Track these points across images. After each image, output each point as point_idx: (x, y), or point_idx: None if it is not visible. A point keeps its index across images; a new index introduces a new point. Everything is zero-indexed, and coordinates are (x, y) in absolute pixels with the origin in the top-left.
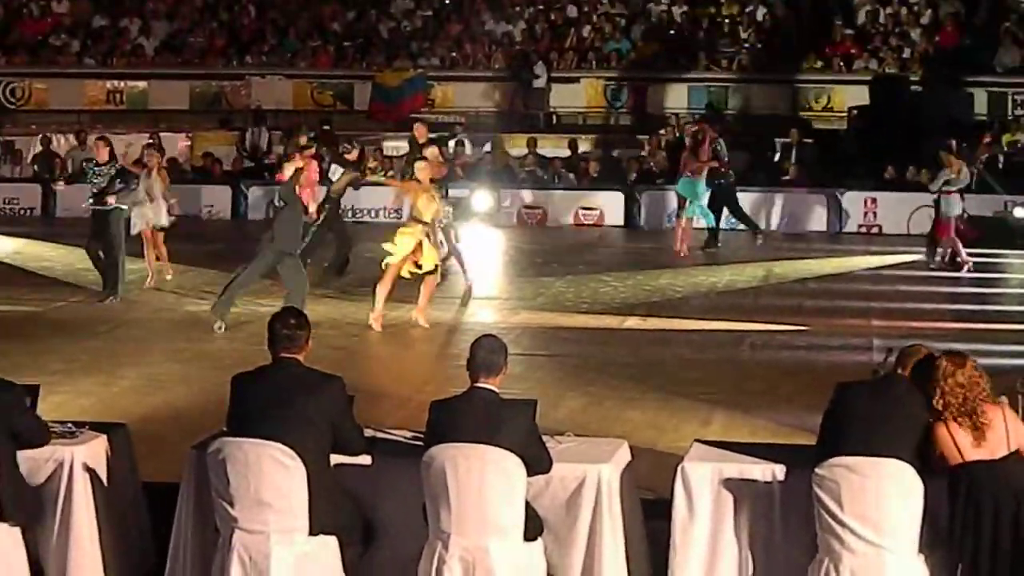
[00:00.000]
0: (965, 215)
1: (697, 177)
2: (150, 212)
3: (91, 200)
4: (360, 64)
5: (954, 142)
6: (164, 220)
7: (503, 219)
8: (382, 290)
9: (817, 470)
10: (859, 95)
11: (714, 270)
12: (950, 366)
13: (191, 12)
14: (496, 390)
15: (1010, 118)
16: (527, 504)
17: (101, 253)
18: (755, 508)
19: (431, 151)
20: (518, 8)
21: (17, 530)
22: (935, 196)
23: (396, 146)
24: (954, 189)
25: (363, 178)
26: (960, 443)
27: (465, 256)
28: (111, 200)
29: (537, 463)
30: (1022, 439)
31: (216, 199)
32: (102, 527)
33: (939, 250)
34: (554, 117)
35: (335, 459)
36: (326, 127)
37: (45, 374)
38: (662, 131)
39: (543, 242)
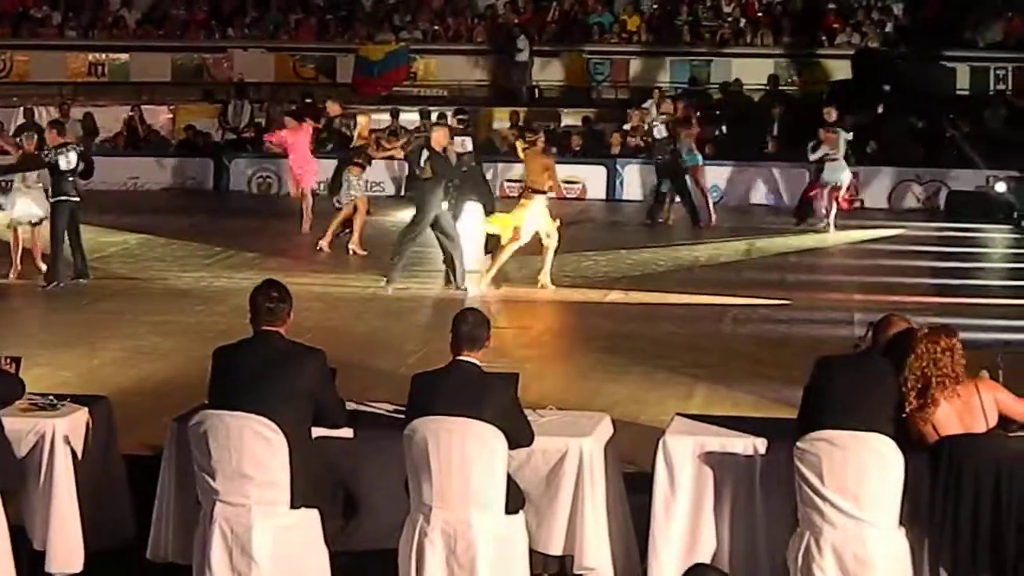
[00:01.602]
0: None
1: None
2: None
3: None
4: (343, 37)
5: (834, 112)
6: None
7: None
8: (500, 257)
9: (798, 444)
10: (842, 69)
11: (695, 244)
12: (928, 343)
13: None
14: (479, 363)
15: (991, 92)
16: (509, 477)
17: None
18: (736, 481)
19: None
20: None
21: None
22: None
23: (379, 119)
24: (837, 158)
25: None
26: (934, 420)
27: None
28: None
29: (519, 436)
30: (1004, 411)
31: (198, 171)
32: (82, 499)
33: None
34: (536, 91)
35: (317, 432)
36: (308, 100)
37: (27, 347)
38: (644, 105)
39: None
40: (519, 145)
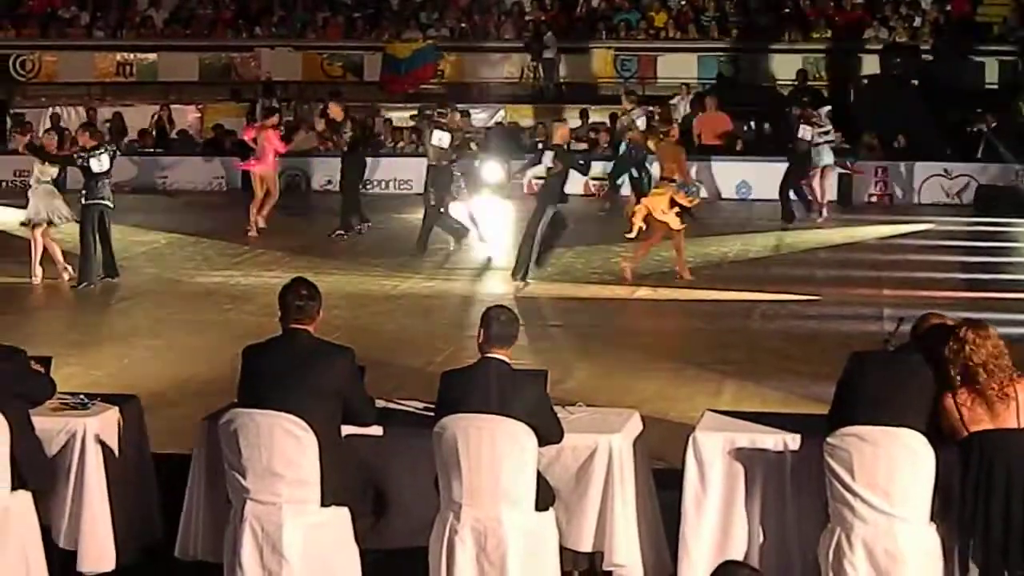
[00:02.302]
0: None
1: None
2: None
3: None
4: (370, 35)
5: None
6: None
7: (513, 190)
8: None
9: (829, 439)
10: (870, 64)
11: (725, 240)
12: (973, 335)
13: None
14: (508, 360)
15: (1020, 86)
16: (539, 474)
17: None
18: (766, 478)
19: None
20: None
21: (30, 497)
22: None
23: (403, 116)
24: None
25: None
26: (968, 415)
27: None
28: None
29: (549, 433)
30: None
31: (226, 171)
32: (113, 498)
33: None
34: (564, 88)
35: (346, 430)
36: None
37: (58, 346)
38: (672, 101)
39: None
40: (652, 139)
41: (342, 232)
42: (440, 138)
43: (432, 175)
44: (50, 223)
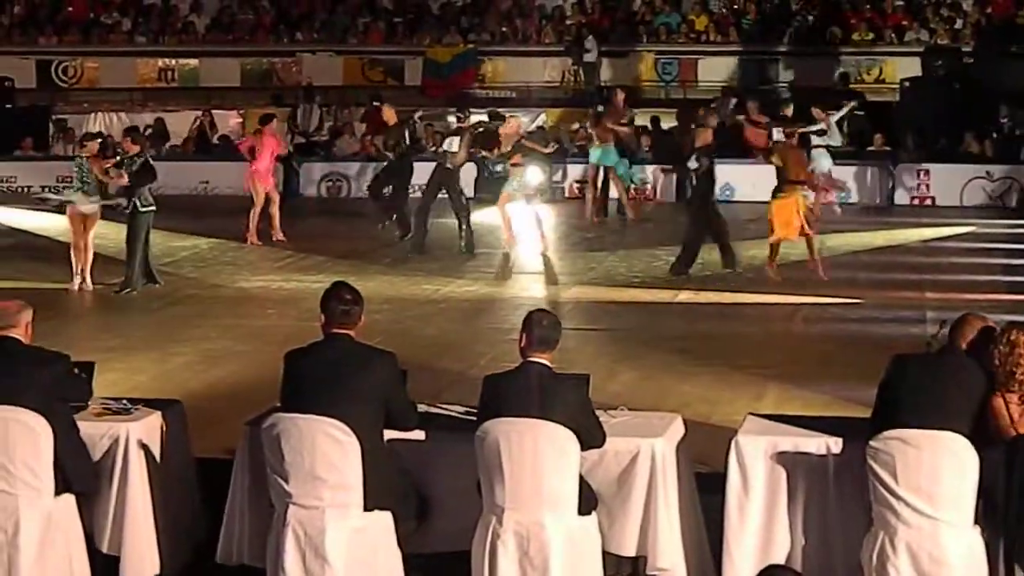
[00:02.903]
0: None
1: (606, 144)
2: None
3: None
4: (411, 40)
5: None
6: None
7: (555, 194)
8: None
9: (872, 443)
10: (911, 67)
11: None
12: (1020, 335)
13: None
14: (550, 365)
15: None
16: (581, 478)
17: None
18: (809, 481)
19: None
20: None
21: (74, 502)
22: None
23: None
24: (822, 143)
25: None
26: (1019, 416)
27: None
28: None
29: (591, 437)
30: None
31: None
32: (156, 502)
33: None
34: (605, 91)
35: (388, 435)
36: (376, 103)
37: (99, 351)
38: (712, 104)
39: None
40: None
41: (400, 234)
42: (451, 142)
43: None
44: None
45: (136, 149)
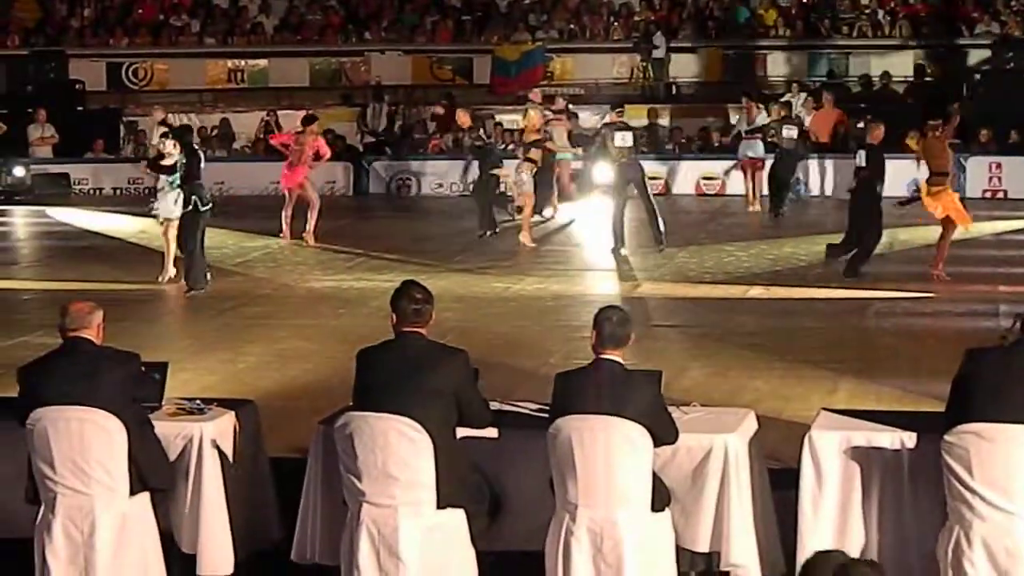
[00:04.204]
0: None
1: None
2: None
3: None
4: (479, 38)
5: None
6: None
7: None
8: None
9: (946, 437)
10: (982, 59)
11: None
12: None
13: None
14: (621, 361)
15: None
16: (654, 475)
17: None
18: (884, 476)
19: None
20: None
21: (149, 501)
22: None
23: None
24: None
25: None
26: None
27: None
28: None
29: (664, 434)
30: None
31: (338, 175)
32: (231, 502)
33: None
34: (674, 87)
35: (461, 432)
36: (444, 101)
37: (172, 351)
38: (784, 99)
39: (665, 212)
40: (911, 138)
41: (490, 231)
42: (624, 138)
43: (619, 172)
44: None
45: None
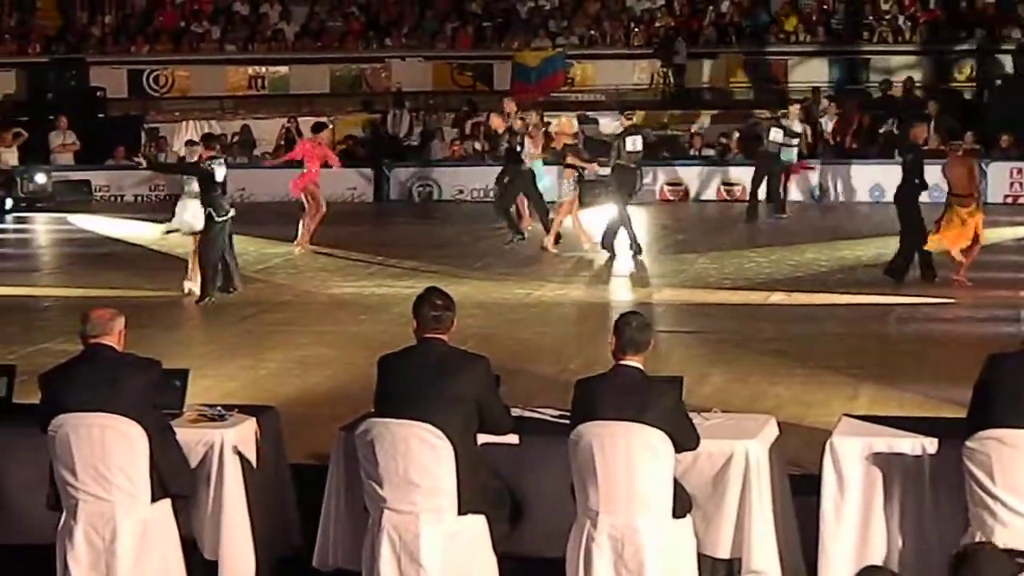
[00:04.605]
0: None
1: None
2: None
3: None
4: (499, 44)
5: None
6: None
7: (645, 196)
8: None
9: (968, 443)
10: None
11: (859, 243)
12: None
13: None
14: (641, 367)
15: None
16: (675, 481)
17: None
18: (906, 482)
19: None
20: None
21: (170, 508)
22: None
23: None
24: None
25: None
26: None
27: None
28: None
29: (685, 440)
30: None
31: (359, 182)
32: (252, 508)
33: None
34: (694, 93)
35: (482, 439)
36: (466, 108)
37: (193, 358)
38: (803, 104)
39: (685, 219)
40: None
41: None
42: (635, 142)
43: (620, 175)
44: (195, 232)
45: (211, 153)
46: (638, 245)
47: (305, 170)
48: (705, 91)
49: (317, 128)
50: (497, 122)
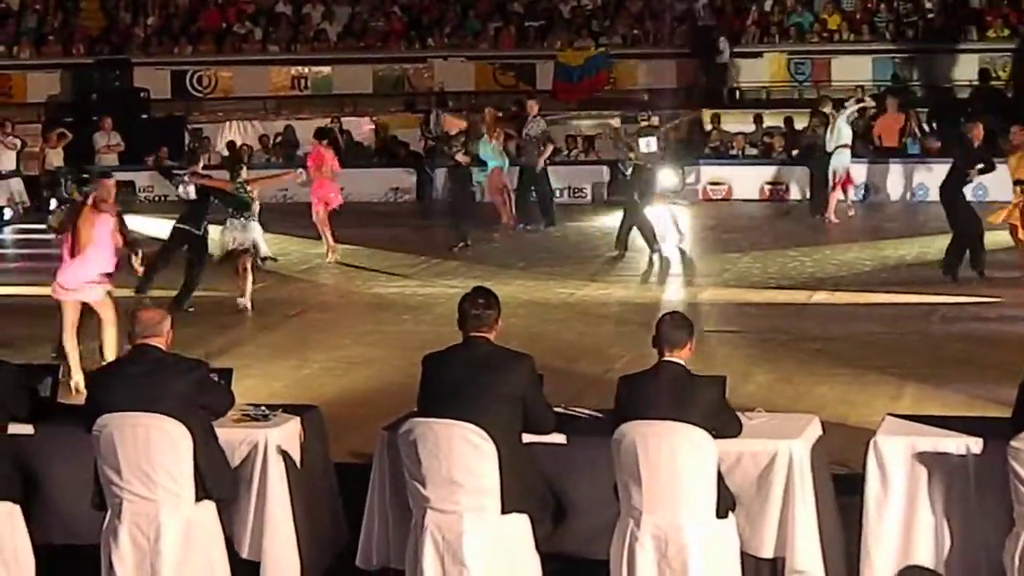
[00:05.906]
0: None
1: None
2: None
3: None
4: (542, 44)
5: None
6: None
7: (688, 196)
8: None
9: (1012, 443)
10: None
11: (903, 243)
12: None
13: None
14: (684, 364)
15: None
16: (719, 480)
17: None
18: (950, 482)
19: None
20: None
21: (214, 508)
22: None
23: (579, 125)
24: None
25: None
26: None
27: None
28: None
29: (727, 429)
30: None
31: (402, 181)
32: (296, 507)
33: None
34: (738, 92)
35: (526, 438)
36: (512, 108)
37: (237, 358)
38: (845, 104)
39: (729, 218)
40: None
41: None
42: (648, 143)
43: (637, 175)
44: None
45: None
46: (657, 245)
47: (313, 178)
48: (748, 90)
49: (320, 134)
50: (452, 124)
